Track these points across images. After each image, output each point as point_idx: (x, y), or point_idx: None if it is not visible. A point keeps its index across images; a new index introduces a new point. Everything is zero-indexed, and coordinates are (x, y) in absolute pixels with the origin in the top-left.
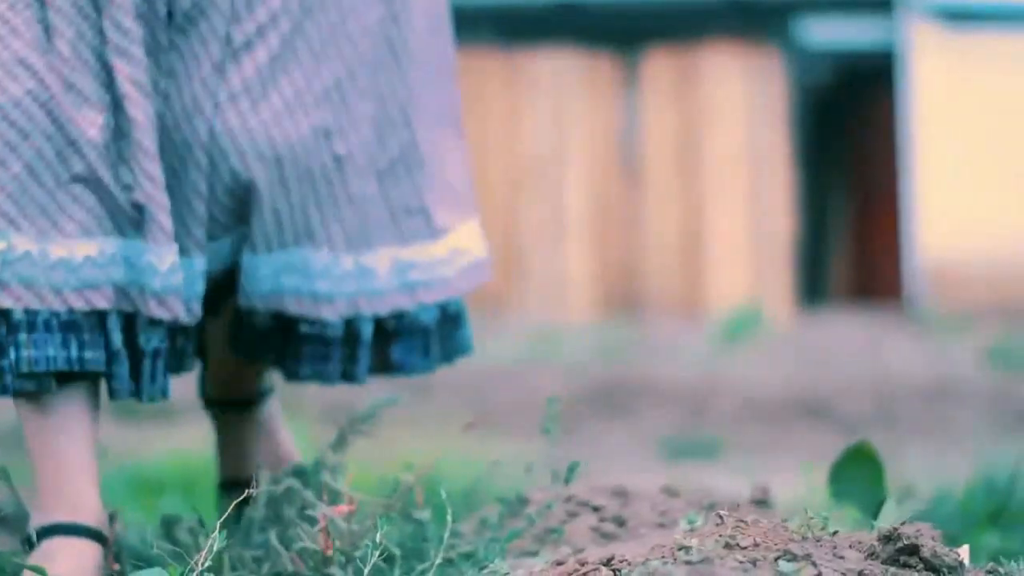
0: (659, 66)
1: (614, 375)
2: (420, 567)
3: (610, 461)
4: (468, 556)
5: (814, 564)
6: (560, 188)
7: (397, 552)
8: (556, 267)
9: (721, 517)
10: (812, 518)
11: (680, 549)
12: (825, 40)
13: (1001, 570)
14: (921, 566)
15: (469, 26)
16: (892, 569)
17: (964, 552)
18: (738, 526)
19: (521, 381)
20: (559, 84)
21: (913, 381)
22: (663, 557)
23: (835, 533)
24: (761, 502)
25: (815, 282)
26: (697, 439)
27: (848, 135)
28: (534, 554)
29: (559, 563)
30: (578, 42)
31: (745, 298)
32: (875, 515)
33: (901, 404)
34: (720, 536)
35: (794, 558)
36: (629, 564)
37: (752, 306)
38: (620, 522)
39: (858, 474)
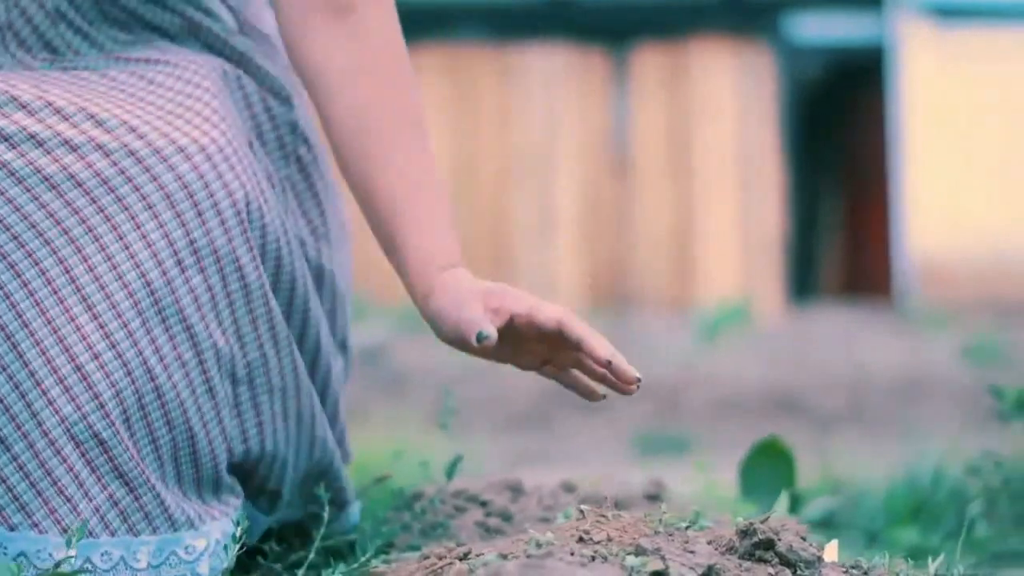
0: (649, 62)
1: None
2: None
3: (581, 456)
4: (352, 549)
5: (662, 558)
6: (550, 184)
7: (277, 549)
8: (546, 263)
9: (582, 511)
10: (666, 512)
11: (532, 544)
12: (815, 36)
13: (864, 565)
14: (776, 560)
15: (460, 23)
16: (746, 563)
17: (832, 548)
18: (598, 521)
19: (496, 377)
20: (550, 81)
21: (891, 377)
22: (513, 552)
23: (688, 527)
24: (653, 496)
25: (805, 278)
26: (670, 435)
27: (838, 131)
28: (418, 548)
29: (425, 557)
30: (569, 39)
31: (735, 294)
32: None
33: (875, 399)
34: (576, 531)
35: (643, 552)
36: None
37: (739, 302)
38: (506, 517)
39: (767, 469)
